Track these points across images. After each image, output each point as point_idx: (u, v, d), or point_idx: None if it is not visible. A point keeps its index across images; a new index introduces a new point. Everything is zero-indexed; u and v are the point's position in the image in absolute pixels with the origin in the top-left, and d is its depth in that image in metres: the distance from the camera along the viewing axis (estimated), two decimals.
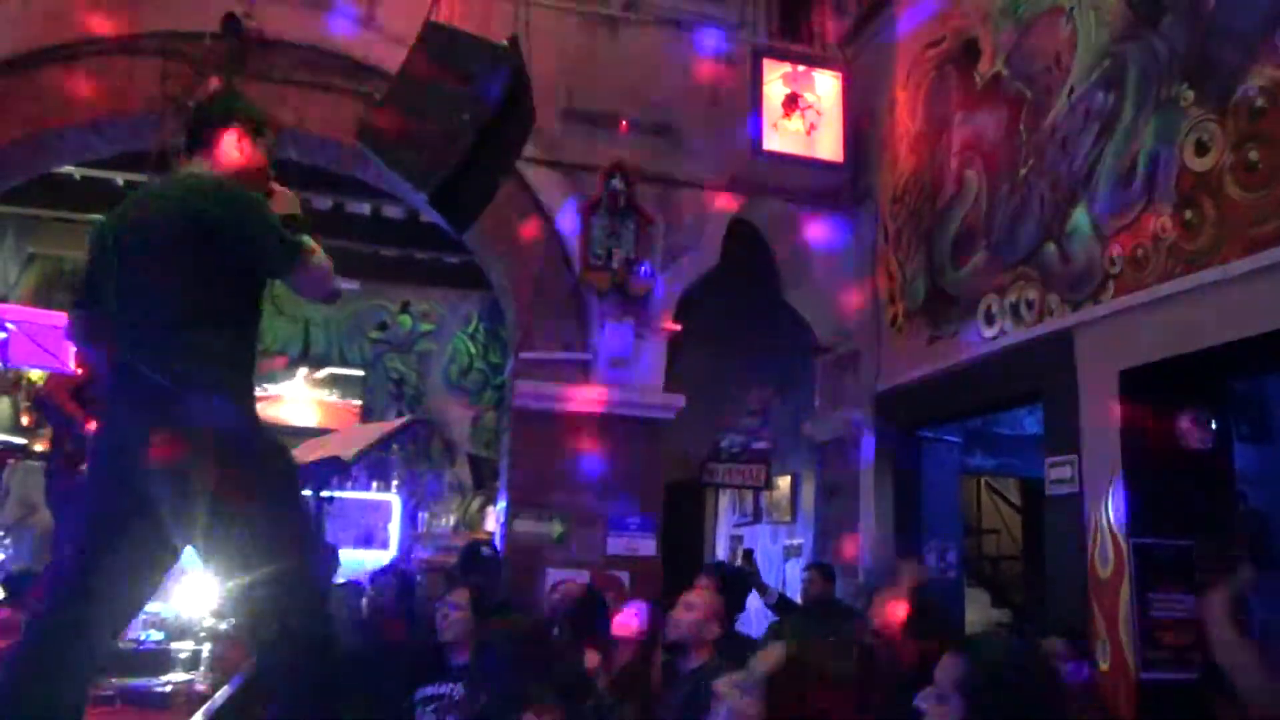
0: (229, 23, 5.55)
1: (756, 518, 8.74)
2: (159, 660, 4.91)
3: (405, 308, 10.68)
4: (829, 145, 6.55)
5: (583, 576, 5.53)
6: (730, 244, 6.61)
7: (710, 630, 3.50)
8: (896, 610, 3.46)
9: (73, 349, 4.60)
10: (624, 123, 6.42)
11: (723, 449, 7.85)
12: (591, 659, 3.81)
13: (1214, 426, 4.32)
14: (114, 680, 4.26)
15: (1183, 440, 4.27)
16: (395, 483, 9.80)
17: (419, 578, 6.75)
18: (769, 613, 5.85)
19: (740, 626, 5.19)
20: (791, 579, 7.41)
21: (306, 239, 2.43)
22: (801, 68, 6.57)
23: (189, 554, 2.38)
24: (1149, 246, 4.20)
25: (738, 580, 5.39)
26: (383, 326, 10.65)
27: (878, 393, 6.35)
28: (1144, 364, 4.23)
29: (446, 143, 3.72)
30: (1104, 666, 4.13)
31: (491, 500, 8.93)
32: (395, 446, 9.54)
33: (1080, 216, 4.63)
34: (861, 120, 6.67)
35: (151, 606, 5.48)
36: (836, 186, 6.77)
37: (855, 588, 5.82)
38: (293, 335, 10.26)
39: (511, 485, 6.13)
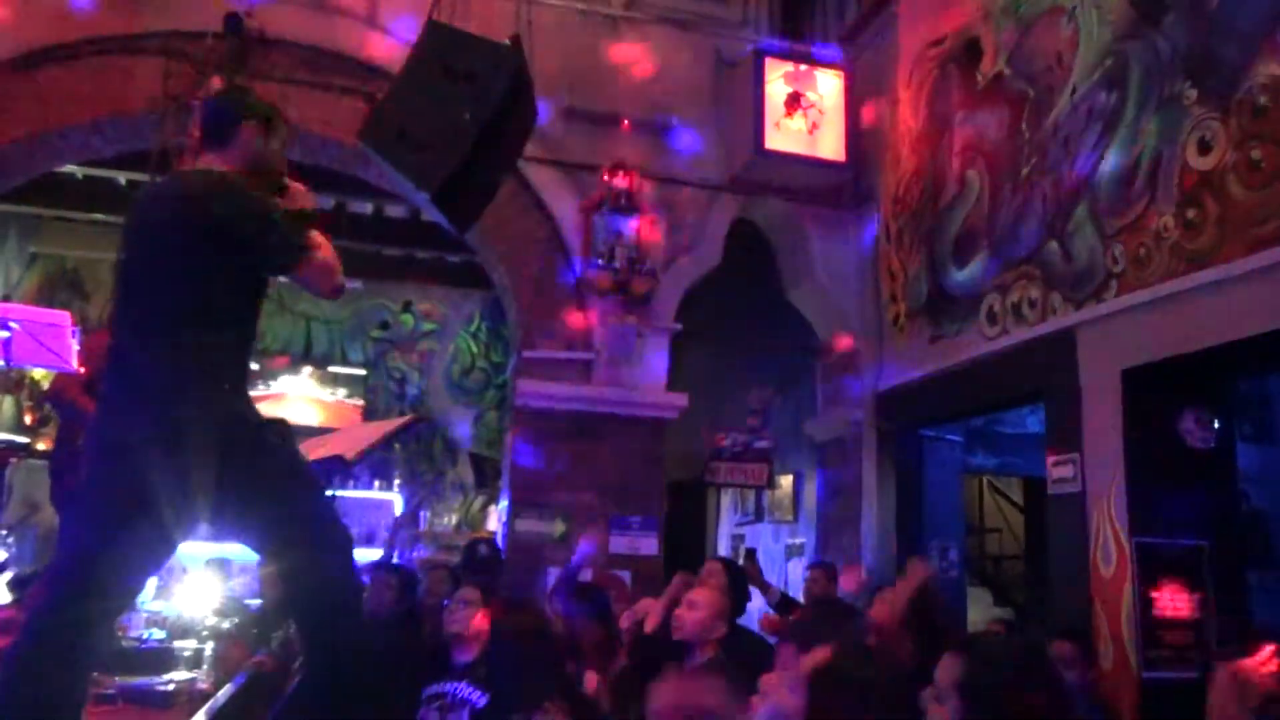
0: (230, 22, 5.56)
1: (758, 517, 8.74)
2: (161, 659, 4.91)
3: (407, 307, 10.67)
4: (831, 145, 6.54)
5: (585, 575, 5.53)
6: (732, 243, 6.61)
7: (716, 629, 3.48)
8: (898, 607, 3.43)
9: (75, 347, 4.60)
10: (626, 122, 6.42)
11: (724, 448, 7.85)
12: (590, 681, 3.77)
13: (1216, 426, 4.31)
14: (116, 679, 4.26)
15: (1185, 439, 4.27)
16: (397, 481, 9.80)
17: (420, 576, 6.74)
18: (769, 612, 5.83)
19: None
20: (794, 578, 7.42)
21: (310, 235, 2.43)
22: (803, 67, 6.55)
23: (189, 554, 2.38)
24: (1151, 245, 4.19)
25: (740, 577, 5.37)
26: (385, 325, 10.64)
27: (879, 392, 6.35)
28: (1146, 363, 4.22)
29: (448, 142, 3.72)
30: (1106, 666, 4.12)
31: (493, 499, 8.94)
32: (397, 446, 9.54)
33: (1082, 215, 4.62)
34: (863, 120, 6.66)
35: (154, 605, 5.50)
36: (838, 186, 6.76)
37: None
38: (295, 334, 10.25)
39: (513, 484, 6.13)
